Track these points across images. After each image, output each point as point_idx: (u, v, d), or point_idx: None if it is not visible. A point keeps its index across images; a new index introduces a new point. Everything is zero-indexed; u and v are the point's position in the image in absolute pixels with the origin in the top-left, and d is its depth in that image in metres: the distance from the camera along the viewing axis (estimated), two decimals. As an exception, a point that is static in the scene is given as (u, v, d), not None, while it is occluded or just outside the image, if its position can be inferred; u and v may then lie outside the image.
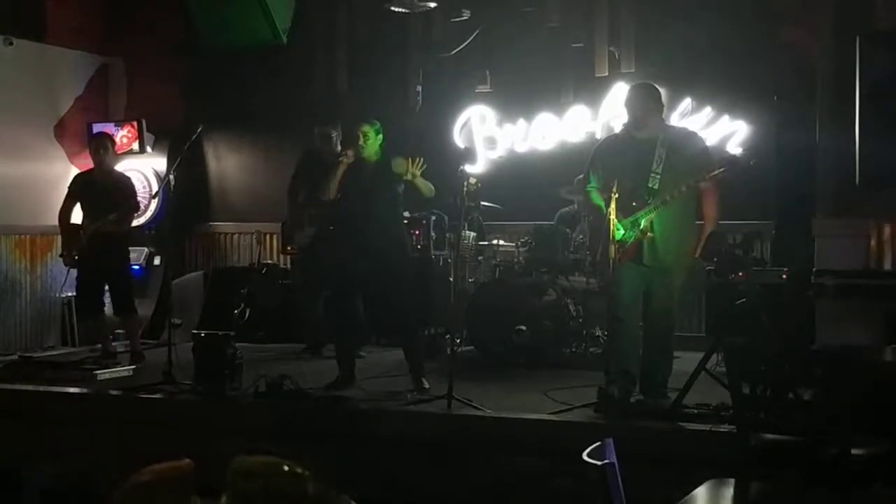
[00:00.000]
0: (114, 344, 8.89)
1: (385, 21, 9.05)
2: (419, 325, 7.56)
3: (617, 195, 6.03)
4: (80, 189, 8.26)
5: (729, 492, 3.27)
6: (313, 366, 7.85)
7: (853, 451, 4.17)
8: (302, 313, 8.86)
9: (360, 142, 6.91)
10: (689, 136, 6.50)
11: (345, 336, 7.19)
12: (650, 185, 6.07)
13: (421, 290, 8.19)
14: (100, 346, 8.48)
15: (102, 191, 8.00)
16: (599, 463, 2.69)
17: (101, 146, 8.24)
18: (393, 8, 8.48)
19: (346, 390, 6.87)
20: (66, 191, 8.25)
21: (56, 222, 8.20)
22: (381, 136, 7.01)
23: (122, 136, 10.20)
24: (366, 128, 6.95)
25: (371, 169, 6.98)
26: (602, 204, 6.24)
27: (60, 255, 8.57)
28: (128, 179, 8.37)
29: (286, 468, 1.86)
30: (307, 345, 8.66)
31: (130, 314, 8.29)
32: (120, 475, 1.85)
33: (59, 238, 8.47)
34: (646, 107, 6.22)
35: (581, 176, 7.78)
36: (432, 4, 8.50)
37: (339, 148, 7.84)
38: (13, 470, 6.40)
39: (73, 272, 8.28)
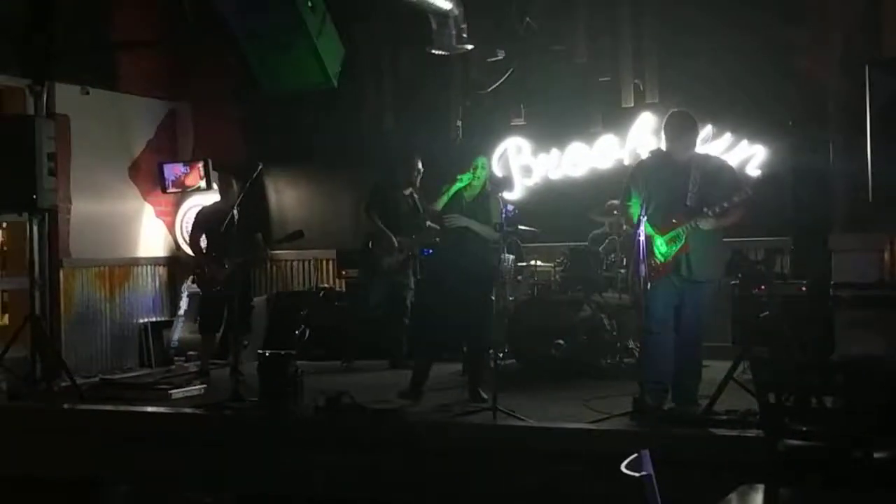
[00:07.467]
0: (185, 365, 8.96)
1: (427, 63, 9.08)
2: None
3: (652, 212, 5.99)
4: (209, 220, 8.30)
5: (759, 498, 3.20)
6: (363, 379, 7.87)
7: (875, 455, 4.10)
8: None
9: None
10: (722, 168, 6.46)
11: (429, 352, 7.24)
12: (688, 202, 6.06)
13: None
14: (174, 367, 8.55)
15: (231, 222, 7.85)
16: (637, 475, 2.65)
17: (230, 183, 8.33)
18: (434, 51, 8.51)
19: (409, 401, 6.91)
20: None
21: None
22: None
23: (190, 174, 10.31)
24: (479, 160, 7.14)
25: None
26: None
27: (193, 281, 8.93)
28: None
29: None
30: (343, 360, 8.77)
31: (246, 331, 8.45)
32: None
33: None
34: (683, 132, 6.22)
35: (613, 201, 7.75)
36: (469, 47, 8.51)
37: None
38: (92, 481, 6.46)
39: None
